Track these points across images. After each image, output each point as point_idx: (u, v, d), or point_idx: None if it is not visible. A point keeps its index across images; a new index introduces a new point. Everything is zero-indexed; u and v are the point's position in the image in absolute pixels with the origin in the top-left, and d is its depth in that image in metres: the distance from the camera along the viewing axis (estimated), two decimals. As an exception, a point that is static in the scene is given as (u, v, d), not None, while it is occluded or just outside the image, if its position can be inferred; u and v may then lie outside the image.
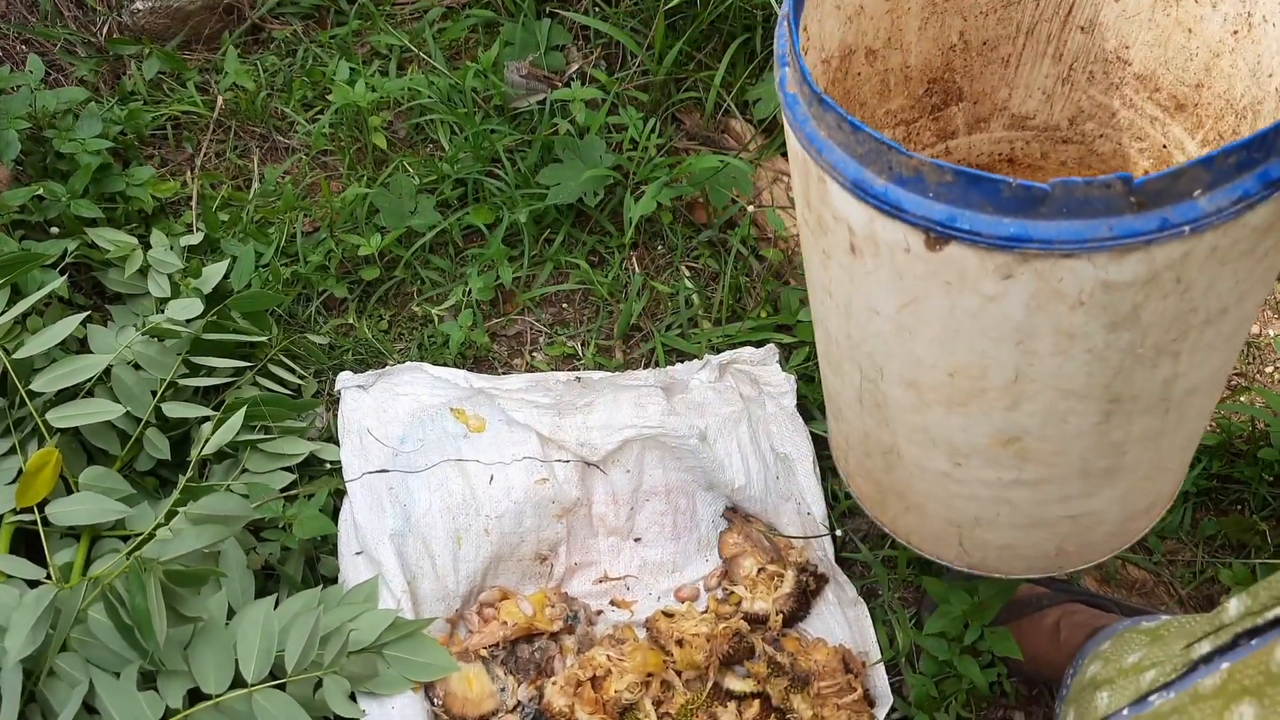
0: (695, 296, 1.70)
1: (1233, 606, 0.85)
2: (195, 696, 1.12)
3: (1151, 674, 0.91)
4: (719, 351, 1.61)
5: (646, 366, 1.65)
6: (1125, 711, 0.91)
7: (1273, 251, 0.78)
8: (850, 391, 1.04)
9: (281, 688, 1.12)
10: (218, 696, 1.10)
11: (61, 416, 1.31)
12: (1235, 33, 1.00)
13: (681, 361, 1.62)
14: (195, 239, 1.69)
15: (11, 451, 1.33)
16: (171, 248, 1.61)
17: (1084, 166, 1.24)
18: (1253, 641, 0.77)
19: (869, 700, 1.30)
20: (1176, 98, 1.11)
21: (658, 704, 1.28)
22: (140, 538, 1.26)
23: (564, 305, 1.75)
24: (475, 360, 1.69)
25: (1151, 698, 0.88)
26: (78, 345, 1.47)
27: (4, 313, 1.36)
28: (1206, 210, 0.69)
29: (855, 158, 0.77)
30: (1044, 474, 0.97)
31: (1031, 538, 1.08)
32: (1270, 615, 0.76)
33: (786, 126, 0.87)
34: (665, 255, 1.77)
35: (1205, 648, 0.85)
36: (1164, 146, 1.15)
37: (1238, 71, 1.01)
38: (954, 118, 1.22)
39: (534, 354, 1.70)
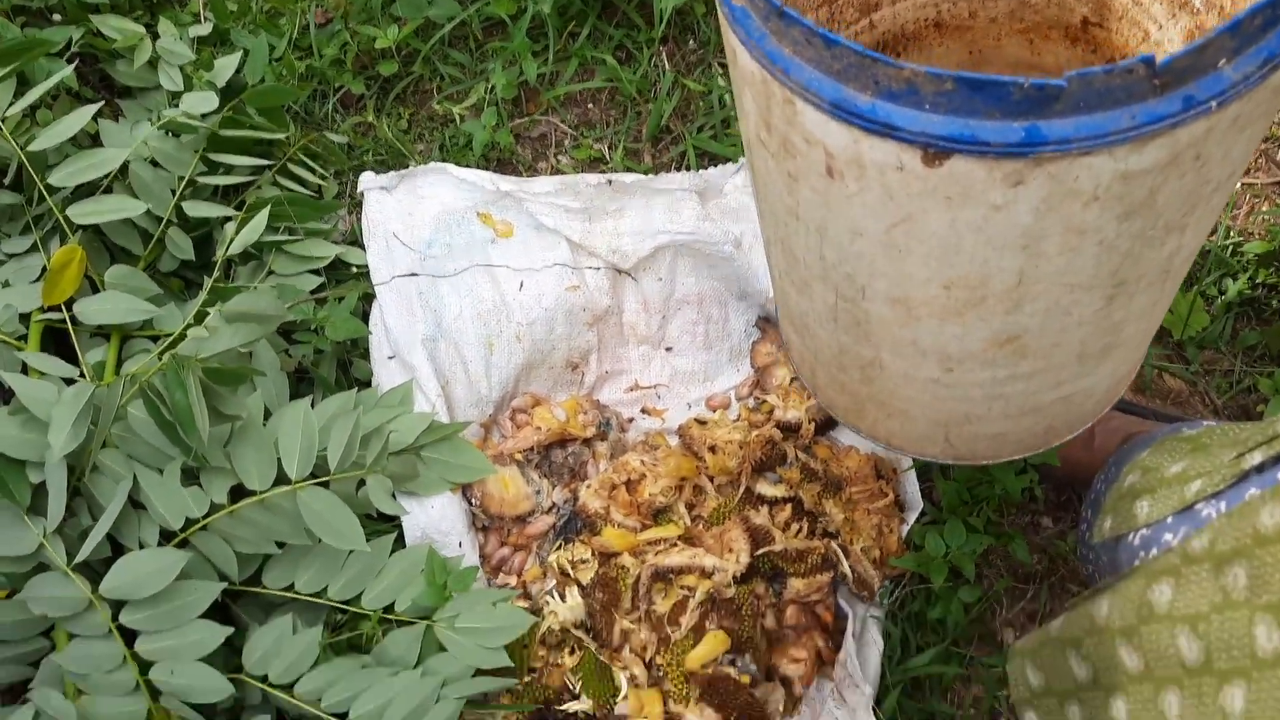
0: (729, 95, 1.63)
1: (1288, 417, 0.84)
2: (236, 495, 1.14)
3: (1197, 484, 0.90)
4: (754, 155, 1.55)
5: (677, 170, 1.60)
6: (1169, 520, 0.91)
7: (1277, 109, 0.72)
8: (821, 310, 0.96)
9: (324, 485, 1.13)
10: (263, 492, 1.11)
11: (83, 212, 1.27)
12: None
13: (714, 165, 1.57)
14: (204, 29, 1.60)
15: (34, 249, 1.30)
16: (180, 38, 1.53)
17: (1015, 19, 1.14)
18: None
19: (900, 505, 1.32)
20: None
21: (690, 507, 1.30)
22: (172, 337, 1.25)
23: (590, 105, 1.67)
24: (499, 162, 1.63)
25: (1198, 506, 0.88)
26: (89, 141, 1.41)
27: (13, 104, 1.30)
28: (1233, 79, 0.64)
29: (831, 75, 0.68)
30: (1041, 365, 0.93)
31: (1023, 424, 1.05)
32: None
33: (736, 43, 0.76)
34: (698, 51, 1.68)
35: (1257, 458, 0.84)
36: None
37: None
38: (876, -13, 1.11)
39: (559, 157, 1.64)
